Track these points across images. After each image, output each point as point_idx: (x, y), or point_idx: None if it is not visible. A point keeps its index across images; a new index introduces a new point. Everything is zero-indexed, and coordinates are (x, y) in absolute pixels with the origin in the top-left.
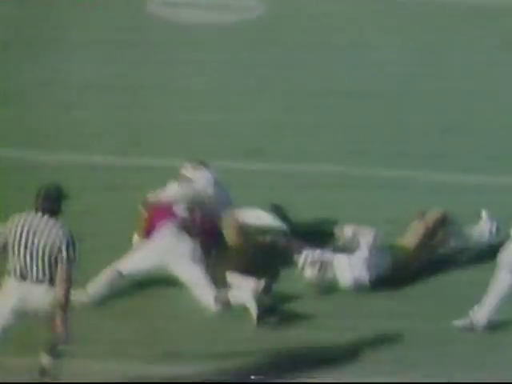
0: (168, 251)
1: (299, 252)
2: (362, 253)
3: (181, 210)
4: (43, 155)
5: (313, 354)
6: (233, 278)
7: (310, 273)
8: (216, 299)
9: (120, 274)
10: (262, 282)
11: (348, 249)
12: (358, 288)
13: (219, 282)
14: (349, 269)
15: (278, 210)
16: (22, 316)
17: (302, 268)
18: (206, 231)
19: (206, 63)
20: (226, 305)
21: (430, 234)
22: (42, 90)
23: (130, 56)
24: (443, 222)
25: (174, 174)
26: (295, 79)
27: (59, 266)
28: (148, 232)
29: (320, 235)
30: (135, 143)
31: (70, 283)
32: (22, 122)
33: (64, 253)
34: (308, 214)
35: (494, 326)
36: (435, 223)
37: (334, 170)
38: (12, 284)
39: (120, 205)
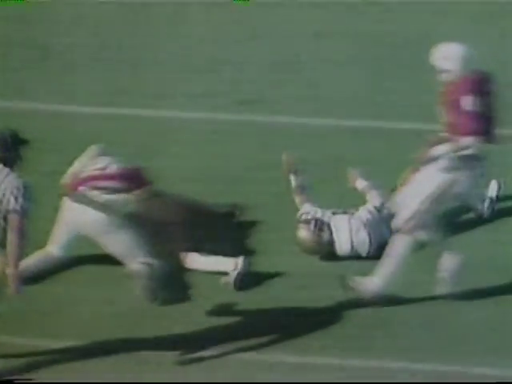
0: (78, 222)
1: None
2: (365, 215)
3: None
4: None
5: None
6: (203, 262)
7: (304, 231)
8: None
9: (51, 254)
10: (240, 261)
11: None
12: (356, 253)
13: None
14: (348, 230)
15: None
16: None
17: (297, 226)
18: (132, 181)
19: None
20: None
21: None
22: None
23: None
24: None
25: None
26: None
27: (10, 218)
28: None
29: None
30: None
31: (21, 237)
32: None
33: (12, 205)
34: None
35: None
36: None
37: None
38: None
39: None
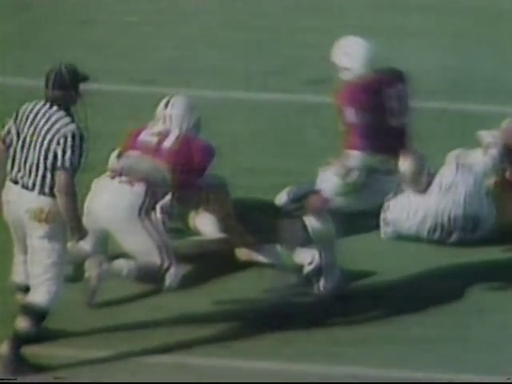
0: (102, 208)
1: None
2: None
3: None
4: None
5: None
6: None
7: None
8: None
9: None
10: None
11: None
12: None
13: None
14: (452, 174)
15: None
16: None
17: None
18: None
19: None
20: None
21: None
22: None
23: None
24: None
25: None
26: None
27: (56, 173)
28: None
29: None
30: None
31: (69, 195)
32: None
33: (59, 159)
34: None
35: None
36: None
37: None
38: (8, 186)
39: None
